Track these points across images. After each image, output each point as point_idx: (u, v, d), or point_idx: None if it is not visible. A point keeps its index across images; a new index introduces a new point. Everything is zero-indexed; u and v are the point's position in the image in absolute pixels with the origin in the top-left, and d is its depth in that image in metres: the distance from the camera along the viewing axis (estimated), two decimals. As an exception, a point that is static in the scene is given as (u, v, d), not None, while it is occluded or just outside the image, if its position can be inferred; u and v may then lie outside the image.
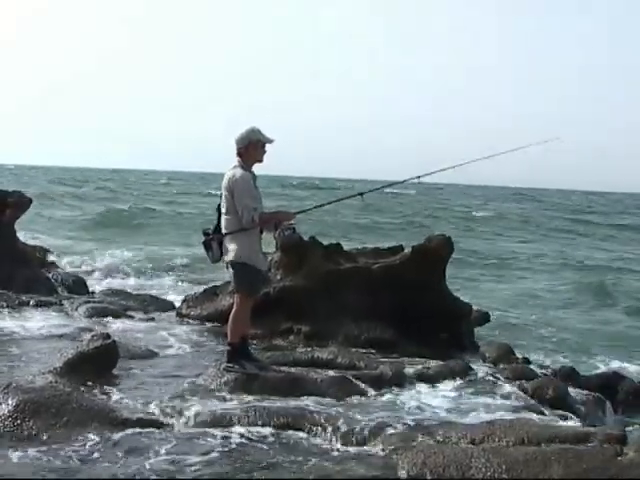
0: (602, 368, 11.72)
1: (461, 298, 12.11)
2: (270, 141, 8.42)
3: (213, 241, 8.38)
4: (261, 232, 8.48)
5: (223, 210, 8.33)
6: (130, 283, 17.81)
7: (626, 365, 12.30)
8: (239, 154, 8.37)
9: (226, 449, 6.60)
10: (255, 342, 10.22)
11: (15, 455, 6.18)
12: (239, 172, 8.25)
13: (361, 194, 9.77)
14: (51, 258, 18.26)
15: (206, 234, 8.47)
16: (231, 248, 8.25)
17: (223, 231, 8.31)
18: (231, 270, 8.40)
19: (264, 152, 8.45)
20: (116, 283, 17.37)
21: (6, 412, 6.86)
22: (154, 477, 5.91)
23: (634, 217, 68.42)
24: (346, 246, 12.50)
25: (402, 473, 6.14)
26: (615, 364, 12.43)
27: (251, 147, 8.34)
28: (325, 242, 12.12)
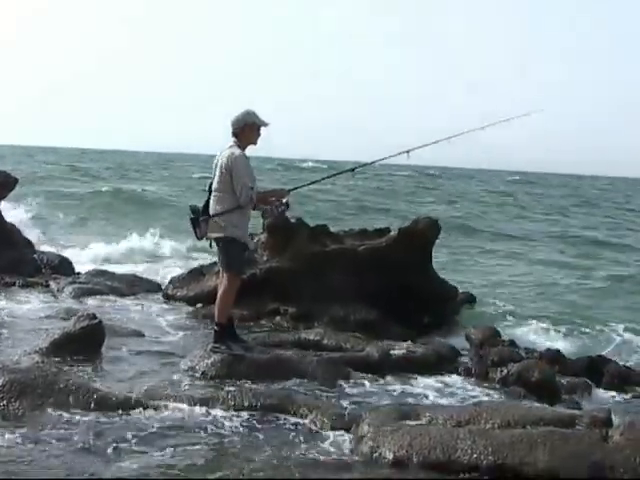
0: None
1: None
2: (265, 124, 8.49)
3: (200, 218, 8.39)
4: (254, 209, 8.54)
5: (217, 187, 8.33)
6: (116, 265, 17.66)
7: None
8: (234, 135, 8.42)
9: (211, 431, 6.60)
10: (242, 323, 10.20)
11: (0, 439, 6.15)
12: (237, 151, 8.30)
13: (352, 169, 9.87)
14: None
15: (194, 211, 8.46)
16: (224, 226, 8.26)
17: (215, 209, 8.30)
18: (219, 247, 8.41)
19: (259, 135, 8.54)
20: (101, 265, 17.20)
21: (-8, 393, 6.84)
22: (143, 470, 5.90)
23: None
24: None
25: (388, 455, 6.15)
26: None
27: (247, 129, 8.40)
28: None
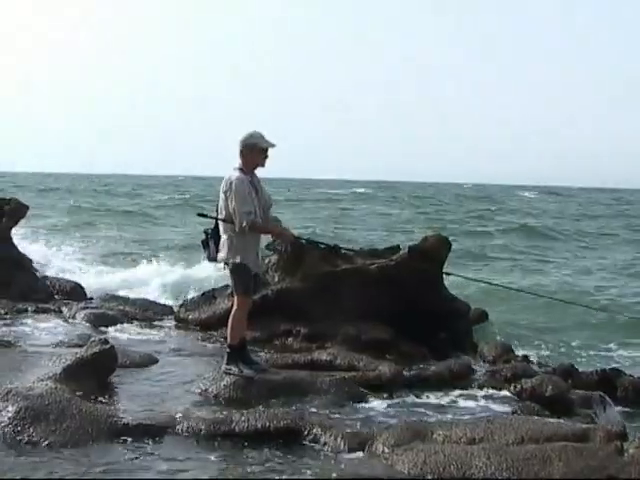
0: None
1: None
2: (271, 145, 8.45)
3: (210, 240, 8.44)
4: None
5: (219, 211, 8.37)
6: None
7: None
8: (240, 156, 8.42)
9: (225, 454, 6.61)
10: (254, 344, 10.19)
11: (15, 462, 6.15)
12: (235, 175, 8.30)
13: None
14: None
15: (205, 233, 8.52)
16: (225, 248, 8.32)
17: (220, 231, 8.37)
18: (228, 270, 8.46)
19: (265, 157, 8.51)
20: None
21: (6, 419, 6.84)
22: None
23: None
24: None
25: (403, 473, 6.15)
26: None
27: (248, 151, 8.37)
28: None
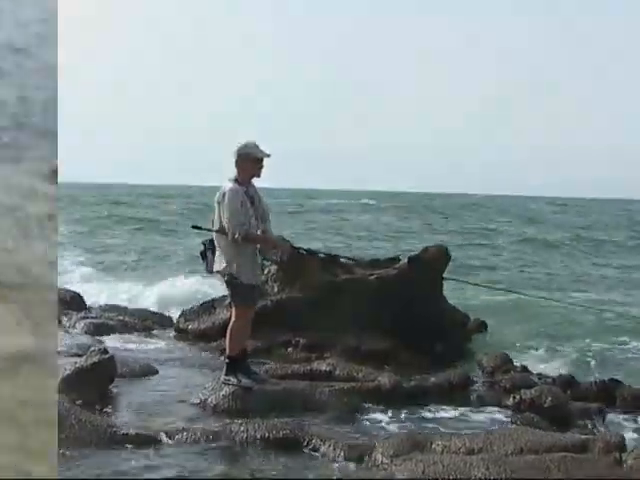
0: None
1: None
2: (266, 155, 8.38)
3: (208, 251, 8.41)
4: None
5: (214, 222, 8.35)
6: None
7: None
8: (235, 166, 8.40)
9: (225, 464, 6.60)
10: (253, 355, 10.18)
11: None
12: (229, 186, 8.24)
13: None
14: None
15: (203, 244, 8.50)
16: (220, 260, 8.30)
17: (215, 242, 8.36)
18: (224, 281, 8.45)
19: (260, 167, 8.40)
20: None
21: (4, 430, 6.83)
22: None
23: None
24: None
25: (402, 484, 6.15)
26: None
27: (241, 161, 8.31)
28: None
